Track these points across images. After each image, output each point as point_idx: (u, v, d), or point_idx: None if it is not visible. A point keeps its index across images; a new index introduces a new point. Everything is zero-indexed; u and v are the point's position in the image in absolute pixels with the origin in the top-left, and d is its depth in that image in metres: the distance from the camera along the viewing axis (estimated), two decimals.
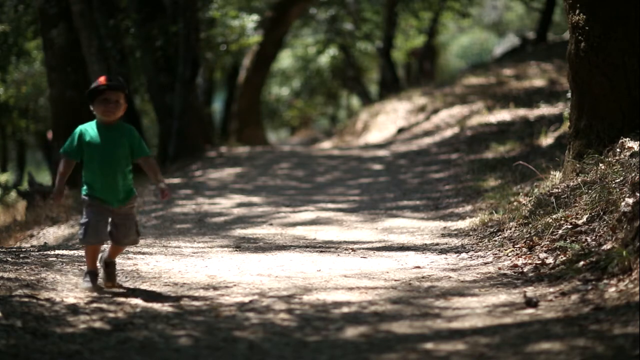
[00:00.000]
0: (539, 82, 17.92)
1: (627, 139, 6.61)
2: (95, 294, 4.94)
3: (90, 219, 4.95)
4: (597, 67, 6.93)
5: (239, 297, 4.91)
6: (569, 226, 5.90)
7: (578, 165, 6.95)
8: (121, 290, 5.09)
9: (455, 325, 4.21)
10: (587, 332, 3.86)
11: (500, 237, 6.67)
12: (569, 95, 7.78)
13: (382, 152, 14.71)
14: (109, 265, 5.15)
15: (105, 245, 5.21)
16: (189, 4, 14.92)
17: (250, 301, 4.79)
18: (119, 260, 6.18)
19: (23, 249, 7.25)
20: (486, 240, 6.72)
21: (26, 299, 4.63)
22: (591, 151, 6.87)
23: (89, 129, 5.00)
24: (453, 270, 5.78)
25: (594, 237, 5.50)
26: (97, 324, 4.26)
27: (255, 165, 13.89)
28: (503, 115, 14.76)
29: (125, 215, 5.05)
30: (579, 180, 6.58)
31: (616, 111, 6.93)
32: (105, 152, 4.97)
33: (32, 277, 5.29)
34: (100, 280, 5.12)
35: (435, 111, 18.21)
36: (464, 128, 14.68)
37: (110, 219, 5.00)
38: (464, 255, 6.36)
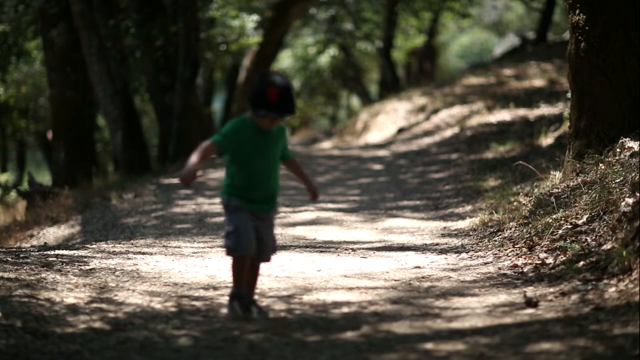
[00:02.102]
0: (539, 82, 17.92)
1: (627, 139, 6.61)
2: (95, 295, 4.93)
3: (240, 224, 4.35)
4: (597, 67, 6.93)
5: None
6: (569, 226, 5.90)
7: (578, 165, 6.95)
8: (123, 290, 5.08)
9: (455, 325, 4.21)
10: (587, 332, 3.86)
11: (500, 237, 6.67)
12: (569, 95, 7.79)
13: (382, 152, 14.71)
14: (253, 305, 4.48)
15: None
16: (189, 4, 14.92)
17: None
18: (119, 260, 6.19)
19: (23, 249, 7.25)
20: (486, 240, 6.72)
21: (26, 299, 4.63)
22: (591, 151, 6.87)
23: (245, 126, 4.40)
24: (453, 270, 5.78)
25: (594, 237, 5.50)
26: (97, 324, 4.26)
27: None
28: (503, 115, 14.76)
29: (270, 223, 4.49)
30: (579, 180, 6.58)
31: (616, 111, 6.93)
32: (263, 154, 4.40)
33: (32, 277, 5.28)
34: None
35: (435, 111, 18.21)
36: (464, 128, 14.69)
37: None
38: (464, 255, 6.36)
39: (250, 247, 4.35)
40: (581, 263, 5.06)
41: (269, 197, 4.43)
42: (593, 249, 5.22)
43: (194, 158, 4.29)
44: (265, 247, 4.45)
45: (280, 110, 4.29)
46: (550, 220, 6.18)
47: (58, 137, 14.95)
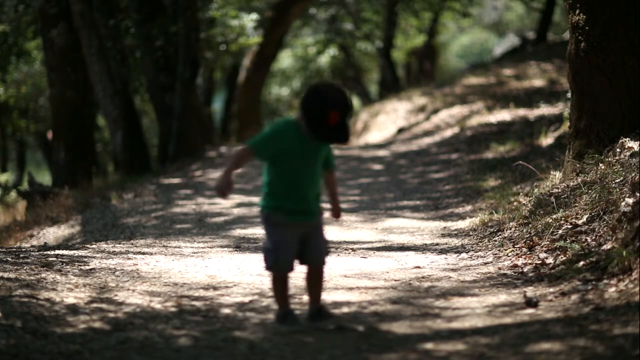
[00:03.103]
0: (539, 82, 17.92)
1: (627, 139, 6.61)
2: (95, 295, 4.94)
3: (281, 240, 4.12)
4: (597, 67, 6.93)
5: (239, 297, 4.91)
6: (569, 226, 5.90)
7: (578, 165, 6.95)
8: (123, 290, 5.08)
9: (455, 325, 4.21)
10: (587, 332, 3.86)
11: (500, 237, 6.67)
12: (569, 95, 7.79)
13: (382, 152, 14.71)
14: (321, 311, 4.26)
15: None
16: (189, 4, 14.92)
17: (250, 301, 4.79)
18: (119, 260, 6.19)
19: (23, 249, 7.25)
20: (486, 240, 6.72)
21: (26, 299, 4.63)
22: (591, 151, 6.87)
23: (289, 132, 4.09)
24: (453, 270, 5.78)
25: (594, 237, 5.49)
26: (97, 324, 4.26)
27: (255, 165, 13.88)
28: (503, 115, 14.76)
29: (318, 227, 4.23)
30: (579, 180, 6.58)
31: (616, 111, 6.93)
32: (307, 162, 4.12)
33: (32, 277, 5.28)
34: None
35: (435, 111, 18.21)
36: (464, 128, 14.68)
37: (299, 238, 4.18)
38: (464, 255, 6.36)
39: (288, 266, 4.16)
40: (581, 263, 5.06)
41: (310, 206, 4.16)
42: (593, 249, 5.22)
43: (229, 163, 4.12)
44: (318, 252, 4.22)
45: (337, 137, 4.02)
46: (550, 220, 6.18)
47: (58, 137, 14.95)
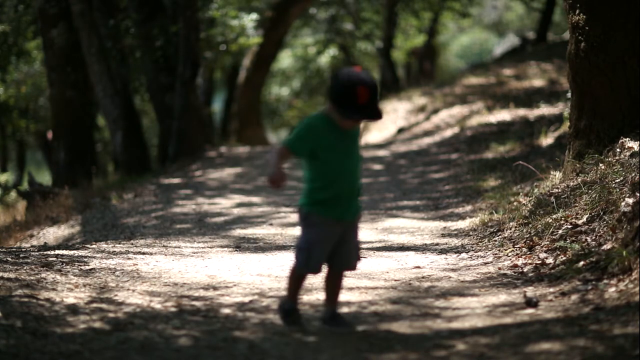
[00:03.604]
0: (539, 82, 17.92)
1: (627, 139, 6.61)
2: (95, 295, 4.94)
3: (317, 241, 4.02)
4: (597, 67, 6.93)
5: (239, 297, 4.91)
6: (569, 226, 5.90)
7: (578, 165, 6.95)
8: (123, 290, 5.08)
9: (455, 325, 4.21)
10: (587, 332, 3.86)
11: (500, 237, 6.67)
12: (569, 95, 7.79)
13: (382, 152, 14.71)
14: (337, 316, 4.20)
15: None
16: (189, 4, 14.92)
17: (250, 301, 4.79)
18: (119, 260, 6.19)
19: (23, 249, 7.25)
20: (486, 240, 6.72)
21: (26, 299, 4.63)
22: (591, 151, 6.87)
23: (321, 126, 4.02)
24: (453, 270, 5.78)
25: (594, 237, 5.50)
26: (97, 324, 4.25)
27: (255, 165, 13.90)
28: (503, 115, 14.76)
29: (355, 228, 4.15)
30: (579, 180, 6.58)
31: (616, 111, 6.93)
32: (345, 153, 4.05)
33: (32, 277, 5.28)
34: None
35: (435, 111, 18.21)
36: (464, 128, 14.68)
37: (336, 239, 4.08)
38: (464, 255, 6.36)
39: (317, 268, 4.07)
40: (581, 263, 5.06)
41: (353, 201, 4.08)
42: (593, 249, 5.22)
43: (273, 160, 3.97)
44: (350, 256, 4.12)
45: (371, 114, 3.98)
46: (550, 220, 6.18)
47: (58, 137, 14.95)
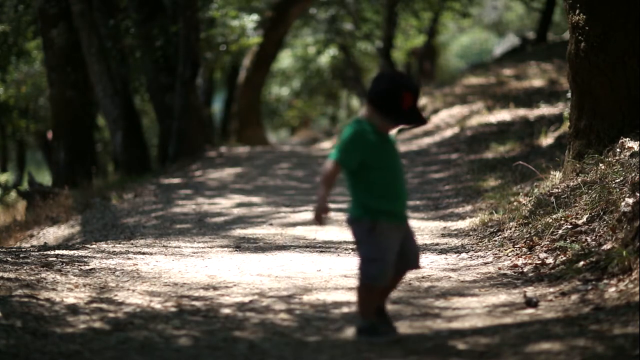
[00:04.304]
0: (539, 82, 17.92)
1: (627, 139, 6.61)
2: (95, 295, 4.93)
3: (387, 252, 3.89)
4: (597, 67, 6.93)
5: (239, 297, 4.91)
6: (569, 226, 5.90)
7: (578, 165, 6.95)
8: (123, 290, 5.08)
9: (455, 325, 4.21)
10: (587, 332, 3.86)
11: (500, 237, 6.67)
12: (569, 95, 7.79)
13: None
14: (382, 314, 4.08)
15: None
16: (189, 4, 14.92)
17: (250, 301, 4.79)
18: (119, 260, 6.19)
19: (23, 249, 7.25)
20: (486, 240, 6.72)
21: (26, 299, 4.63)
22: (591, 151, 6.87)
23: (369, 134, 3.89)
24: (453, 270, 5.78)
25: (594, 237, 5.50)
26: (97, 324, 4.26)
27: (255, 165, 13.90)
28: (503, 115, 14.76)
29: (410, 229, 4.10)
30: (579, 180, 6.58)
31: (616, 111, 6.93)
32: (392, 156, 3.96)
33: (32, 277, 5.28)
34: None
35: (435, 111, 18.21)
36: (464, 128, 14.69)
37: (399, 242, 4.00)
38: (464, 255, 6.36)
39: (389, 277, 3.94)
40: (581, 263, 5.06)
41: (405, 207, 4.03)
42: (593, 249, 5.22)
43: (321, 190, 3.87)
44: (413, 255, 4.05)
45: (415, 119, 3.88)
46: (550, 220, 6.18)
47: (58, 137, 14.95)
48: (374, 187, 3.89)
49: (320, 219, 3.86)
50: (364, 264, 3.91)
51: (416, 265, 4.08)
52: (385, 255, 3.87)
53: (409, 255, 4.02)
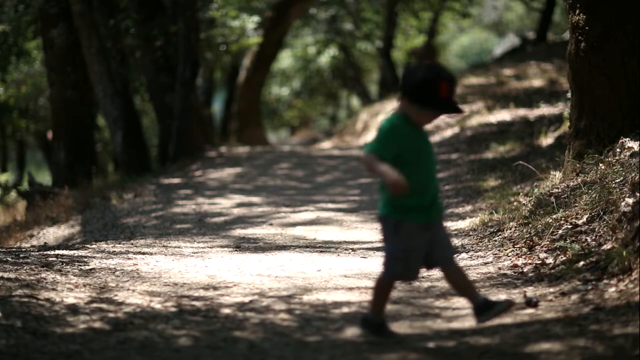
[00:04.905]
0: (539, 82, 17.92)
1: (627, 139, 6.61)
2: (95, 295, 4.93)
3: (414, 248, 3.91)
4: (597, 67, 6.93)
5: (239, 297, 4.91)
6: (569, 226, 5.90)
7: (578, 165, 6.95)
8: (123, 290, 5.08)
9: (455, 325, 4.21)
10: (587, 332, 3.86)
11: (500, 237, 6.67)
12: (569, 95, 7.78)
13: None
14: (487, 302, 4.06)
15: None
16: (189, 4, 14.92)
17: (250, 301, 4.79)
18: (119, 260, 6.19)
19: (23, 249, 7.25)
20: (486, 240, 6.72)
21: (26, 299, 4.63)
22: (591, 151, 6.87)
23: (405, 128, 3.87)
24: None
25: (594, 237, 5.50)
26: (97, 324, 4.26)
27: (255, 165, 13.89)
28: (503, 115, 14.75)
29: (441, 224, 4.05)
30: (579, 180, 6.58)
31: (616, 111, 6.92)
32: (425, 152, 3.94)
33: (32, 277, 5.28)
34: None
35: None
36: (464, 128, 14.68)
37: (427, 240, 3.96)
38: (464, 255, 6.36)
39: (415, 275, 4.00)
40: (581, 263, 5.06)
41: (436, 199, 3.97)
42: (593, 249, 5.22)
43: (380, 167, 3.76)
44: (446, 249, 4.01)
45: (452, 109, 3.84)
46: (550, 220, 6.18)
47: (58, 137, 14.95)
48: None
49: (401, 187, 3.72)
50: (388, 260, 3.99)
51: (450, 259, 4.02)
52: (409, 256, 3.91)
53: (443, 252, 3.99)
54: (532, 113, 14.16)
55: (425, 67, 3.90)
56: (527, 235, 6.26)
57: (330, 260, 6.24)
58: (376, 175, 3.84)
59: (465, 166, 11.41)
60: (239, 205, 10.05)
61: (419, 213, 3.89)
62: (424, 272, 5.66)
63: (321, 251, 6.73)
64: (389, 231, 3.96)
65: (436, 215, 3.98)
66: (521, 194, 8.02)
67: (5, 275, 5.29)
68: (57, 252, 6.63)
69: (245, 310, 4.57)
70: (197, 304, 4.73)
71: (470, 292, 4.06)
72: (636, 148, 6.39)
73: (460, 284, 4.06)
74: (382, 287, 4.02)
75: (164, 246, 7.08)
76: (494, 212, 7.66)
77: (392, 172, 3.75)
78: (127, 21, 15.50)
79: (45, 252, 6.55)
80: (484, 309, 4.00)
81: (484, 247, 6.51)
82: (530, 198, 7.29)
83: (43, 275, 5.40)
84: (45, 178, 23.95)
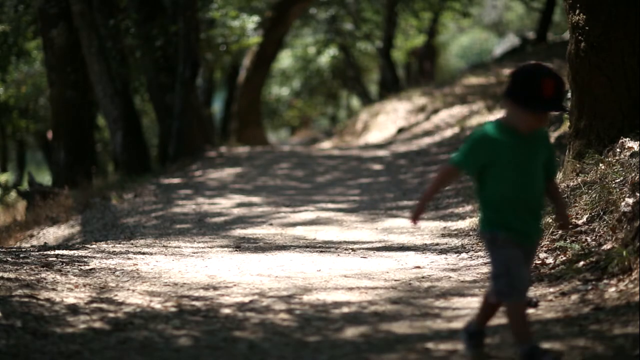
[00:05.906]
0: None
1: (627, 139, 6.61)
2: (95, 295, 4.93)
3: (511, 264, 3.50)
4: (597, 67, 6.93)
5: (239, 297, 4.91)
6: (569, 226, 5.90)
7: (578, 165, 6.95)
8: (123, 290, 5.08)
9: (455, 325, 4.21)
10: (587, 332, 3.86)
11: None
12: (569, 95, 7.78)
13: (382, 152, 14.71)
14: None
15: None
16: (189, 4, 14.92)
17: (250, 301, 4.79)
18: (119, 260, 6.19)
19: (23, 249, 7.25)
20: None
21: (26, 299, 4.63)
22: (591, 151, 6.87)
23: (499, 136, 3.57)
24: (453, 270, 5.78)
25: (594, 237, 5.50)
26: (97, 324, 4.26)
27: (255, 165, 13.89)
28: (503, 115, 14.75)
29: (534, 250, 3.74)
30: (579, 180, 6.58)
31: (616, 111, 6.92)
32: (523, 163, 3.56)
33: (32, 277, 5.28)
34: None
35: (435, 111, 18.21)
36: (464, 128, 14.68)
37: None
38: (464, 255, 6.36)
39: (525, 291, 3.57)
40: (581, 263, 5.06)
41: (532, 223, 3.59)
42: (593, 249, 5.22)
43: (427, 190, 3.68)
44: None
45: (557, 107, 3.54)
46: (550, 220, 6.17)
47: (58, 137, 14.95)
48: (492, 197, 3.59)
49: (415, 218, 3.69)
50: (492, 282, 3.60)
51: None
52: (510, 269, 3.50)
53: None
54: None
55: (525, 66, 3.63)
56: None
57: (330, 260, 6.24)
58: (424, 195, 3.72)
59: None
60: (239, 205, 10.05)
61: (509, 228, 3.55)
62: (424, 272, 5.67)
63: (321, 251, 6.73)
64: (488, 247, 3.66)
65: (530, 240, 3.63)
66: None
67: (5, 275, 5.29)
68: (57, 252, 6.63)
69: (245, 310, 4.57)
70: (197, 304, 4.73)
71: (484, 322, 3.82)
72: (636, 148, 6.39)
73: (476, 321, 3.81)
74: (510, 314, 3.57)
75: (164, 246, 7.08)
76: None
77: (421, 202, 3.71)
78: (127, 21, 15.50)
79: (45, 252, 6.55)
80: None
81: (484, 247, 6.51)
82: None
83: (43, 275, 5.40)
84: (45, 178, 23.95)
